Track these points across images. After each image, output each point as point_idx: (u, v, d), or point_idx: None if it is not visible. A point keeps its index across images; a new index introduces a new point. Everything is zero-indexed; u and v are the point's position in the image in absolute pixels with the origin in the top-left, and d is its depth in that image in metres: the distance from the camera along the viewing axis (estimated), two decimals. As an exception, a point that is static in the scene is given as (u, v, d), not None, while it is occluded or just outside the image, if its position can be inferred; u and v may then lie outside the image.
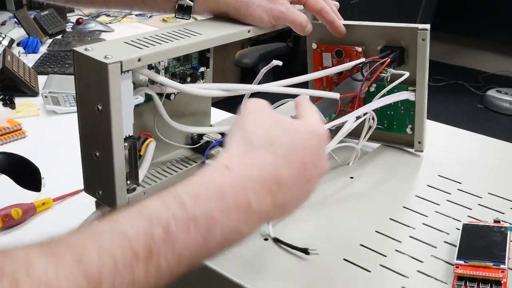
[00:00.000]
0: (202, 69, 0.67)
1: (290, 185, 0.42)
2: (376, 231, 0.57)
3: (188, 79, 0.65)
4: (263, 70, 0.70)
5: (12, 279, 0.30)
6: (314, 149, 0.45)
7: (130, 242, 0.35)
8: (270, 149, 0.42)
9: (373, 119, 0.68)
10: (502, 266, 0.47)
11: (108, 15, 2.17)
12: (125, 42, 0.55)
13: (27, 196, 0.85)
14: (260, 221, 0.42)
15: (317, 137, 0.46)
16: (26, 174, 0.85)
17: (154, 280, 0.36)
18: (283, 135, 0.44)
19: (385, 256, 0.53)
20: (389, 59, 0.66)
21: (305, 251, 0.52)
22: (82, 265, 0.33)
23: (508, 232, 0.51)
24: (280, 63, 0.67)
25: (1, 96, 1.27)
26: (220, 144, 0.66)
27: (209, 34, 0.60)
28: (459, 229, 0.56)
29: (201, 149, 0.67)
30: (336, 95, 0.67)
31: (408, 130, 0.72)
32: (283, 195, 0.42)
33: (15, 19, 1.93)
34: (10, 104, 1.26)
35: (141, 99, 0.58)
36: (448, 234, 0.56)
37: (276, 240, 0.54)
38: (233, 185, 0.40)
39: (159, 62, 0.62)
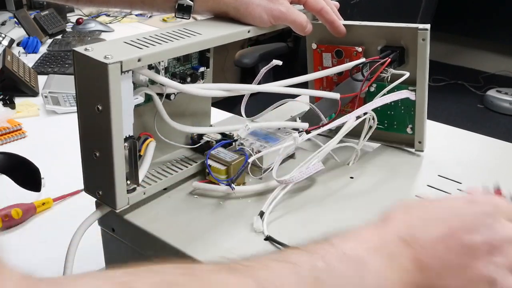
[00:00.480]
0: (202, 69, 0.67)
1: (436, 246, 0.40)
2: (376, 231, 0.56)
3: (188, 79, 0.65)
4: (263, 70, 0.70)
5: None
6: (471, 213, 0.41)
7: (298, 269, 0.36)
8: (405, 211, 0.43)
9: (373, 119, 0.68)
10: None
11: (108, 15, 2.17)
12: (125, 42, 0.55)
13: (27, 196, 0.85)
14: (412, 282, 0.40)
15: (479, 204, 0.42)
16: (26, 175, 0.85)
17: None
18: (423, 204, 0.44)
19: (385, 256, 0.53)
20: (389, 59, 0.66)
21: None
22: (255, 280, 0.34)
23: None
24: (280, 63, 0.67)
25: (1, 96, 1.27)
26: (224, 145, 0.66)
27: (209, 34, 0.60)
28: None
29: (201, 149, 0.67)
30: (336, 95, 0.67)
31: (408, 130, 0.72)
32: (428, 255, 0.40)
33: (15, 19, 1.93)
34: (10, 104, 1.26)
35: (141, 99, 0.58)
36: (448, 234, 0.56)
37: (269, 239, 0.54)
38: (372, 233, 0.41)
39: (159, 62, 0.62)
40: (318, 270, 0.37)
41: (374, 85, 0.70)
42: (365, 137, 0.69)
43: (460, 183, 0.66)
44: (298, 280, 0.36)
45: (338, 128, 0.65)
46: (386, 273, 0.38)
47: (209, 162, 0.62)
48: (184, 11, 0.65)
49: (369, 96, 0.70)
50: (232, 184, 0.60)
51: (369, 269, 0.38)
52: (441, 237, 0.39)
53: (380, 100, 0.65)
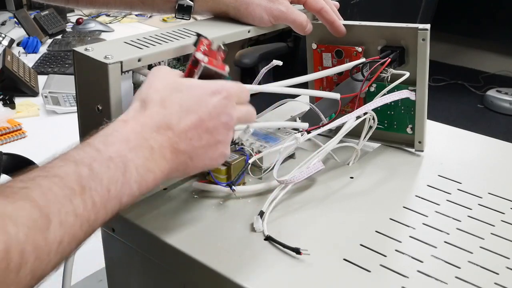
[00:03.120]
0: (202, 69, 0.67)
1: (187, 134, 0.48)
2: (376, 231, 0.57)
3: (188, 79, 0.65)
4: (263, 70, 0.70)
5: None
6: (213, 104, 0.49)
7: (64, 181, 0.40)
8: (162, 105, 0.48)
9: (373, 119, 0.68)
10: None
11: (108, 15, 2.17)
12: (125, 42, 0.55)
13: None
14: (171, 167, 0.48)
15: (218, 94, 0.50)
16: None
17: (93, 213, 0.42)
18: (176, 94, 0.49)
19: (385, 256, 0.53)
20: (389, 59, 0.66)
21: (296, 250, 0.52)
22: (31, 201, 0.38)
23: None
24: (280, 63, 0.67)
25: (1, 96, 1.28)
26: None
27: (209, 34, 0.60)
28: (459, 229, 0.56)
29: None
30: (336, 96, 0.67)
31: (409, 130, 0.72)
32: (182, 142, 0.48)
33: (15, 19, 1.93)
34: (10, 104, 1.26)
35: (141, 99, 0.58)
36: (448, 234, 0.56)
37: (269, 239, 0.54)
38: (132, 131, 0.46)
39: (159, 62, 0.62)
40: (85, 178, 0.42)
41: (374, 85, 0.70)
42: (365, 137, 0.69)
43: (460, 183, 0.66)
44: (67, 192, 0.40)
45: (338, 128, 0.65)
46: (149, 166, 0.46)
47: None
48: (184, 11, 0.65)
49: (369, 96, 0.70)
50: (233, 186, 0.60)
51: (133, 166, 0.45)
52: (192, 125, 0.48)
53: (380, 100, 0.65)
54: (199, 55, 0.52)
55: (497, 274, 0.51)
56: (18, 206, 0.37)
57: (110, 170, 0.43)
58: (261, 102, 0.82)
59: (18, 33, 1.88)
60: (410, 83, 0.67)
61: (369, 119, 0.68)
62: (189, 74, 0.52)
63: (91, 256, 0.64)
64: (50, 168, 0.41)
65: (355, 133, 0.68)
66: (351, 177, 0.67)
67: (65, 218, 0.39)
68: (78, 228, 0.40)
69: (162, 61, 0.62)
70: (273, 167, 0.62)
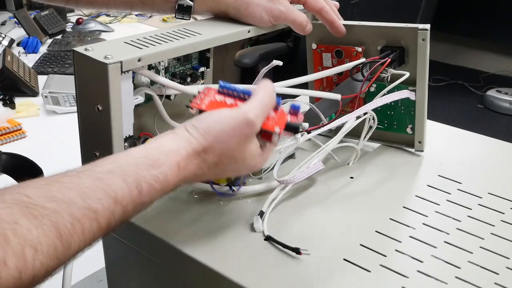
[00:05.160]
0: (202, 69, 0.68)
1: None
2: (376, 231, 0.57)
3: (188, 79, 0.65)
4: (263, 70, 0.70)
5: (2, 236, 0.35)
6: (253, 167, 0.53)
7: (97, 217, 0.41)
8: (215, 166, 0.49)
9: (373, 119, 0.68)
10: None
11: (108, 15, 2.17)
12: (125, 42, 0.55)
13: (27, 196, 0.85)
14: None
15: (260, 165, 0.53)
16: (30, 175, 0.85)
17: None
18: (230, 164, 0.50)
19: (385, 256, 0.53)
20: (389, 59, 0.66)
21: (296, 250, 0.52)
22: (57, 229, 0.38)
23: None
24: (280, 63, 0.67)
25: (1, 96, 1.27)
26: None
27: (209, 34, 0.60)
28: (459, 229, 0.56)
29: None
30: (337, 96, 0.67)
31: (409, 130, 0.72)
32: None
33: (15, 19, 1.93)
34: (10, 104, 1.26)
35: (141, 99, 0.58)
36: (448, 234, 0.56)
37: (269, 238, 0.54)
38: (181, 179, 0.47)
39: (159, 62, 0.62)
40: (115, 219, 0.43)
41: (374, 85, 0.70)
42: (365, 137, 0.69)
43: (460, 183, 0.66)
44: (95, 228, 0.41)
45: (338, 128, 0.65)
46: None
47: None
48: (184, 11, 0.65)
49: (369, 96, 0.70)
50: (233, 187, 0.60)
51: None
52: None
53: (380, 100, 0.65)
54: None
55: (497, 274, 0.51)
56: (42, 232, 0.37)
57: (135, 211, 0.45)
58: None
59: (18, 33, 1.88)
60: (410, 83, 0.67)
61: (369, 119, 0.68)
62: (266, 136, 0.52)
63: (91, 256, 0.64)
64: (90, 194, 0.41)
65: (355, 133, 0.68)
66: (351, 177, 0.67)
67: (83, 247, 0.41)
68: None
69: (162, 61, 0.62)
70: (273, 167, 0.62)
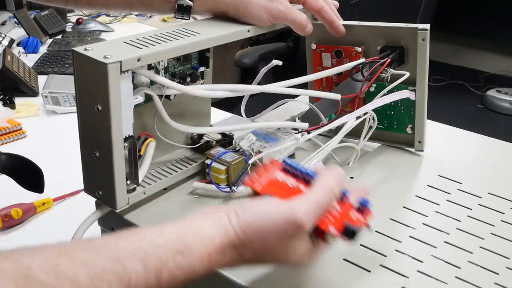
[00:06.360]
0: (201, 69, 0.67)
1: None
2: (376, 231, 0.56)
3: (188, 79, 0.65)
4: (263, 70, 0.70)
5: None
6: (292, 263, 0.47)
7: None
8: (251, 259, 0.45)
9: (373, 119, 0.68)
10: None
11: (108, 15, 2.17)
12: (125, 42, 0.55)
13: (27, 196, 0.85)
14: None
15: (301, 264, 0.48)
16: (29, 176, 0.85)
17: None
18: (268, 256, 0.45)
19: (385, 256, 0.53)
20: (389, 59, 0.66)
21: None
22: None
23: None
24: (280, 63, 0.67)
25: (1, 96, 1.27)
26: (223, 145, 0.66)
27: (208, 33, 0.60)
28: (459, 229, 0.56)
29: (201, 149, 0.67)
30: (337, 96, 0.67)
31: (408, 130, 0.72)
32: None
33: (15, 19, 1.93)
34: (10, 104, 1.26)
35: (140, 99, 0.58)
36: (448, 234, 0.56)
37: None
38: (211, 266, 0.43)
39: (158, 62, 0.62)
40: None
41: (374, 85, 0.70)
42: (365, 137, 0.69)
43: (460, 183, 0.66)
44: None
45: (338, 128, 0.65)
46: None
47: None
48: (183, 11, 0.65)
49: (369, 96, 0.70)
50: (233, 187, 0.60)
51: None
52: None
53: (380, 100, 0.65)
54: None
55: (497, 274, 0.51)
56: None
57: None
58: (261, 102, 0.82)
59: (18, 33, 1.88)
60: (410, 83, 0.67)
61: (369, 119, 0.68)
62: (320, 233, 0.46)
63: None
64: (97, 279, 0.38)
65: (355, 133, 0.68)
66: (351, 177, 0.67)
67: None
68: None
69: (162, 61, 0.62)
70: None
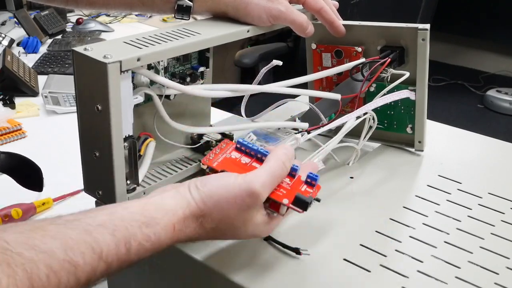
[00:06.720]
0: (201, 69, 0.67)
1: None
2: (376, 231, 0.56)
3: (188, 79, 0.65)
4: (263, 70, 0.70)
5: None
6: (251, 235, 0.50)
7: (76, 272, 0.39)
8: (212, 230, 0.48)
9: (373, 119, 0.68)
10: None
11: (108, 15, 2.17)
12: (125, 42, 0.55)
13: (27, 196, 0.85)
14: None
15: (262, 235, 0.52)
16: (28, 174, 0.85)
17: None
18: (230, 230, 0.49)
19: (385, 256, 0.53)
20: (389, 59, 0.66)
21: (296, 251, 0.52)
22: (30, 280, 0.36)
23: None
24: (280, 63, 0.67)
25: (1, 96, 1.27)
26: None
27: (208, 33, 0.60)
28: (459, 229, 0.56)
29: (201, 149, 0.67)
30: (337, 96, 0.67)
31: (408, 130, 0.72)
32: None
33: (15, 19, 1.93)
34: (10, 104, 1.26)
35: (140, 99, 0.58)
36: (448, 234, 0.56)
37: (269, 238, 0.54)
38: (175, 240, 0.47)
39: (158, 62, 0.62)
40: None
41: (374, 85, 0.70)
42: (365, 137, 0.69)
43: (460, 183, 0.66)
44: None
45: (338, 128, 0.65)
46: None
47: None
48: (183, 11, 0.65)
49: (369, 96, 0.70)
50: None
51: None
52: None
53: (380, 100, 0.65)
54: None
55: (497, 274, 0.51)
56: (14, 282, 0.36)
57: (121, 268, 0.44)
58: (261, 102, 0.82)
59: (18, 33, 1.88)
60: (410, 83, 0.67)
61: (369, 119, 0.68)
62: (274, 206, 0.50)
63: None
64: (74, 247, 0.40)
65: (355, 133, 0.68)
66: (351, 177, 0.67)
67: None
68: None
69: (162, 61, 0.62)
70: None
